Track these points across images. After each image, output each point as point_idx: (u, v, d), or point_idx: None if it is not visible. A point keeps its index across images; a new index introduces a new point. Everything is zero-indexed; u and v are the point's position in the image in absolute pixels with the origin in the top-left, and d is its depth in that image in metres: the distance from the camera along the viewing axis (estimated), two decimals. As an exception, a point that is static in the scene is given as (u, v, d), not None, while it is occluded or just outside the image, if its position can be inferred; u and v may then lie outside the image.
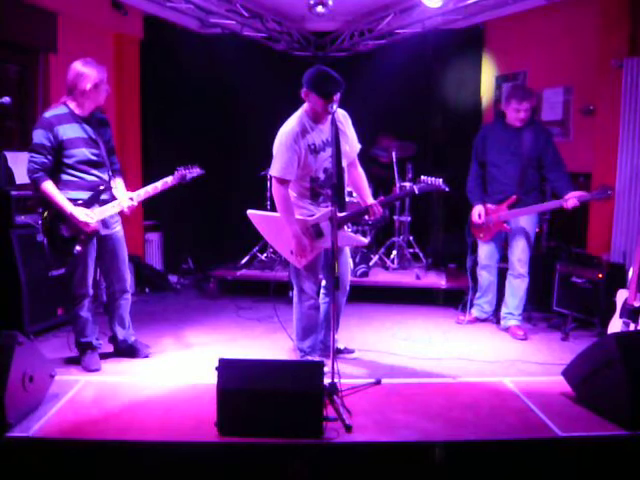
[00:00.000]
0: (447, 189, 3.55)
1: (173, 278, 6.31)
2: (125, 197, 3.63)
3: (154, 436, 2.77)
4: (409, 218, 6.20)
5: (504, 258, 4.71)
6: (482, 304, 4.85)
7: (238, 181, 6.66)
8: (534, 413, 3.05)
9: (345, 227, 3.63)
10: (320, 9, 5.23)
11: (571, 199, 4.15)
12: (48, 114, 3.47)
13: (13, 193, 4.17)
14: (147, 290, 5.86)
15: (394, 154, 6.02)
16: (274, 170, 3.42)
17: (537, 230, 4.65)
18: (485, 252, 4.72)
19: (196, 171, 3.75)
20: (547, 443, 2.78)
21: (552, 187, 4.55)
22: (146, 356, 3.92)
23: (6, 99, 3.38)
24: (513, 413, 3.07)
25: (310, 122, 3.44)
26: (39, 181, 3.39)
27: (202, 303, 5.65)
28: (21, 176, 4.31)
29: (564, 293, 4.87)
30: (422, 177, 3.55)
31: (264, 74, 6.58)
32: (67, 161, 3.47)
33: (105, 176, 3.64)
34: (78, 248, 3.49)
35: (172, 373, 3.67)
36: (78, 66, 3.47)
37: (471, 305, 4.93)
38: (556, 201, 4.34)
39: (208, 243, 6.68)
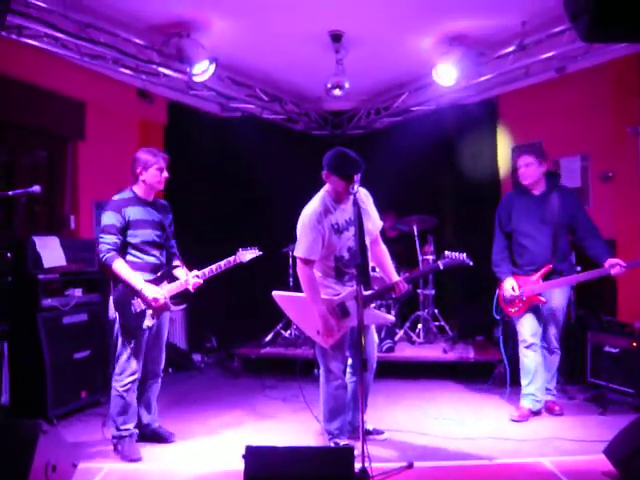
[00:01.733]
0: (471, 263, 3.52)
1: (197, 357, 6.27)
2: (191, 275, 3.71)
3: (179, 529, 2.67)
4: (433, 291, 6.14)
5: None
6: (534, 392, 4.25)
7: (261, 259, 6.70)
8: (577, 497, 2.89)
9: (371, 304, 3.60)
10: (337, 92, 5.40)
11: (617, 266, 3.87)
12: (116, 197, 3.68)
13: (40, 277, 4.23)
14: (170, 370, 5.80)
15: (415, 227, 6.04)
16: (299, 251, 3.44)
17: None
18: (527, 328, 4.25)
19: (256, 252, 3.87)
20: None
21: (590, 255, 4.12)
22: (170, 442, 3.82)
23: (36, 188, 3.48)
24: (555, 497, 2.91)
25: (332, 202, 3.49)
26: (111, 260, 3.51)
27: (226, 382, 5.56)
28: (48, 260, 4.40)
29: (598, 363, 4.72)
30: (446, 252, 3.53)
31: (284, 154, 6.75)
32: (131, 240, 3.61)
33: (163, 258, 3.77)
34: (147, 323, 3.56)
35: (198, 459, 3.56)
36: (136, 154, 3.74)
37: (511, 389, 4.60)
38: (599, 270, 3.98)
39: (232, 321, 6.66)
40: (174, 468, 3.41)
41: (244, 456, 2.63)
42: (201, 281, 3.72)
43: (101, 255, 3.56)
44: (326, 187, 3.53)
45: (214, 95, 6.16)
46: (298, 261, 3.47)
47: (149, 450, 3.68)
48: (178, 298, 3.73)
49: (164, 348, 3.86)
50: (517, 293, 4.21)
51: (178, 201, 6.36)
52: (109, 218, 3.57)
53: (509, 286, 4.24)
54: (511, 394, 4.62)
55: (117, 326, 3.60)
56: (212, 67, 4.99)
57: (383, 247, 3.75)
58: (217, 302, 6.67)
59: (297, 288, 3.58)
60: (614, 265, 3.89)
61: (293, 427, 4.15)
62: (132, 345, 3.56)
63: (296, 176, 6.06)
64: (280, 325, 6.14)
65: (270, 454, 2.69)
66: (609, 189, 5.54)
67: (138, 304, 3.56)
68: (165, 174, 3.75)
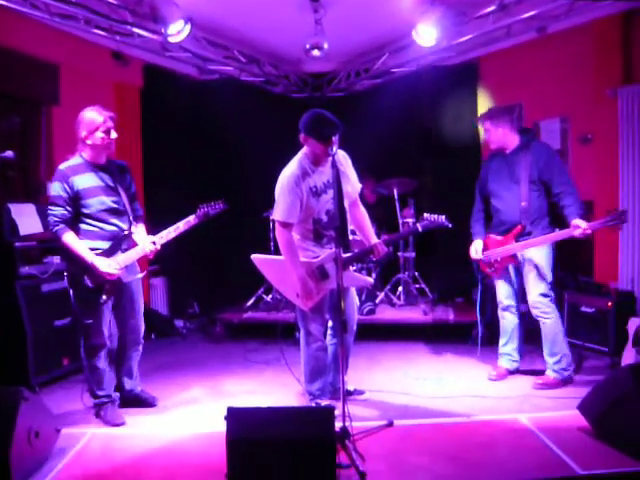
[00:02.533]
0: (450, 225, 3.54)
1: (179, 323, 6.28)
2: (147, 241, 3.58)
3: (164, 490, 2.71)
4: (413, 254, 6.18)
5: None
6: (510, 352, 4.32)
7: (240, 223, 6.67)
8: (552, 451, 2.98)
9: (350, 267, 3.61)
10: (316, 52, 5.31)
11: (579, 228, 3.72)
12: (62, 166, 3.50)
13: (17, 244, 4.18)
14: (153, 336, 5.82)
15: (395, 190, 6.03)
16: (277, 214, 3.42)
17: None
18: (502, 290, 4.28)
19: (219, 207, 3.71)
20: (568, 482, 2.71)
21: (563, 214, 3.97)
22: (153, 406, 3.85)
23: (9, 153, 3.40)
24: (531, 451, 2.99)
25: (310, 165, 3.46)
26: (60, 233, 3.39)
27: (209, 347, 5.60)
28: (25, 227, 4.33)
29: (574, 323, 4.82)
30: (425, 215, 3.54)
31: (263, 117, 6.65)
32: (85, 211, 3.46)
33: (125, 225, 3.60)
34: (104, 298, 3.46)
35: (181, 423, 3.60)
36: (80, 114, 3.51)
37: (480, 343, 4.66)
38: (563, 231, 3.88)
39: (213, 286, 6.66)
40: (157, 432, 3.45)
41: (226, 417, 2.65)
42: (158, 247, 3.59)
43: (50, 228, 3.45)
44: (304, 150, 3.50)
45: (190, 57, 6.01)
46: (276, 224, 3.45)
47: (132, 415, 3.70)
48: (155, 265, 3.66)
49: (141, 315, 3.79)
50: (479, 256, 4.22)
51: (155, 165, 6.33)
52: (55, 189, 3.42)
53: (472, 248, 4.28)
54: (483, 353, 4.71)
55: (72, 301, 3.48)
56: (187, 27, 4.85)
57: (362, 210, 3.75)
58: (198, 268, 6.67)
59: (277, 252, 3.58)
60: (576, 227, 3.75)
61: (275, 389, 4.20)
62: (91, 321, 3.47)
63: (276, 139, 5.97)
64: (261, 290, 6.16)
65: (252, 415, 2.72)
66: (588, 151, 5.57)
67: (90, 279, 3.43)
68: (114, 135, 3.53)
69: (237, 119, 6.60)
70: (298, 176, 3.41)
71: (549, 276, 4.06)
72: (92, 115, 3.48)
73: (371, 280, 3.50)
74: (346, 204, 3.46)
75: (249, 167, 6.72)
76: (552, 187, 4.00)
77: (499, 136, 4.17)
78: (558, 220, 4.09)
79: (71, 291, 3.49)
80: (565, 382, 4.04)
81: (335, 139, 3.29)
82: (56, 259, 4.41)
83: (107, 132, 3.49)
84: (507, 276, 4.25)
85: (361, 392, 3.96)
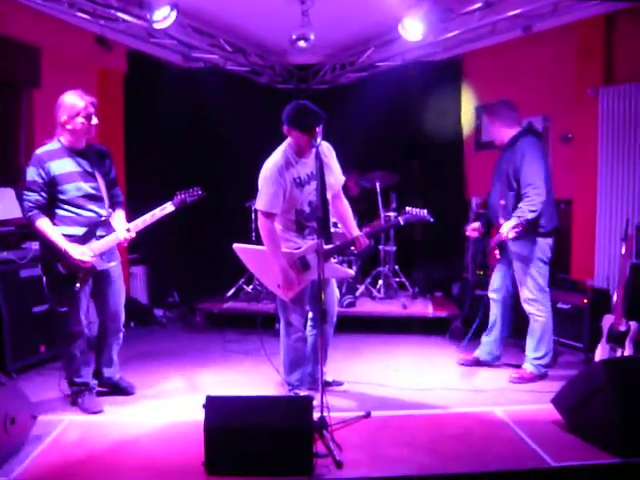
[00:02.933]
0: (432, 220, 3.57)
1: (159, 312, 6.25)
2: (122, 228, 3.53)
3: (141, 477, 2.71)
4: (394, 248, 6.22)
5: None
6: (486, 343, 4.40)
7: (223, 213, 6.65)
8: (525, 443, 3.03)
9: (331, 259, 3.63)
10: (302, 44, 5.30)
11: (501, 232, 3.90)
12: (39, 151, 3.43)
13: (-6, 229, 4.13)
14: (132, 324, 5.79)
15: (378, 184, 6.06)
16: (260, 204, 3.42)
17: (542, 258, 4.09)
18: (492, 281, 4.38)
19: (196, 193, 3.63)
20: (540, 474, 2.76)
21: None
22: (131, 394, 3.84)
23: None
24: (505, 443, 3.05)
25: (294, 156, 3.47)
26: (33, 219, 3.35)
27: (188, 337, 5.59)
28: (3, 212, 4.28)
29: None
30: (407, 208, 3.57)
31: (247, 107, 6.62)
32: (62, 196, 3.40)
33: (103, 211, 3.54)
34: (78, 285, 3.40)
35: (159, 411, 3.59)
36: (61, 97, 3.43)
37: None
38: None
39: (194, 276, 6.64)
40: (135, 420, 3.44)
41: (204, 406, 2.66)
42: (133, 234, 3.53)
43: (24, 213, 3.41)
44: (288, 140, 3.50)
45: (176, 44, 5.95)
46: (259, 214, 3.45)
47: (110, 403, 3.69)
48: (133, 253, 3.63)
49: (122, 303, 3.73)
50: (468, 233, 4.44)
51: (137, 152, 6.27)
52: (30, 174, 3.37)
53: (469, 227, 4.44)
54: (464, 347, 4.77)
55: (46, 289, 3.45)
56: (173, 14, 4.81)
57: (345, 202, 3.76)
58: (179, 257, 6.64)
59: (259, 242, 3.57)
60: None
61: (255, 379, 4.21)
62: (66, 309, 3.42)
63: (260, 130, 5.95)
64: (242, 280, 6.16)
65: (230, 403, 2.74)
66: (569, 150, 5.64)
67: (63, 267, 3.39)
68: (95, 121, 3.46)
69: (221, 108, 6.56)
70: (282, 166, 3.41)
71: (538, 273, 4.06)
72: (73, 99, 3.40)
73: (352, 272, 3.52)
74: (329, 196, 3.48)
75: (232, 157, 6.70)
76: (520, 188, 4.00)
77: (494, 131, 4.25)
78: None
79: (44, 278, 3.46)
80: (541, 377, 4.11)
81: (319, 130, 3.31)
82: (35, 245, 4.34)
83: (88, 118, 3.42)
84: (501, 268, 4.30)
85: (340, 383, 3.99)
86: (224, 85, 6.61)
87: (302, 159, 3.48)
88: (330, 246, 3.46)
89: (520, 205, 3.93)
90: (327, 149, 3.59)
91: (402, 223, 3.58)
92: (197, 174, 6.54)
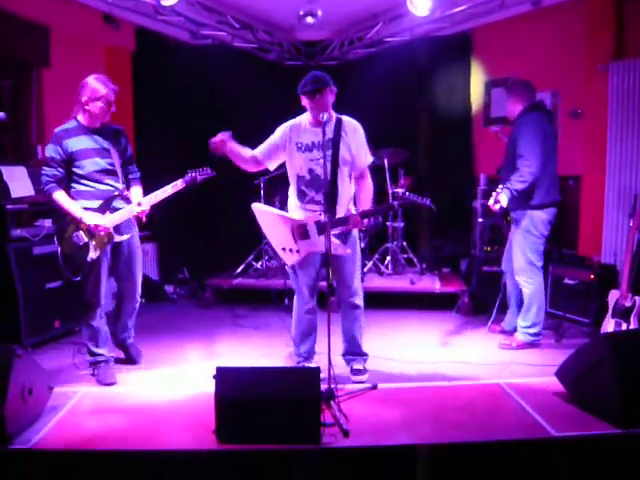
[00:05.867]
0: (433, 207, 3.51)
1: (169, 288, 6.34)
2: (135, 203, 3.68)
3: (153, 445, 2.79)
4: (402, 224, 6.24)
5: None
6: (507, 314, 4.63)
7: (231, 190, 6.70)
8: (528, 414, 3.09)
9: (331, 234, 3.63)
10: (309, 19, 5.30)
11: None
12: (58, 129, 3.61)
13: (9, 207, 4.19)
14: (143, 300, 5.84)
15: (386, 160, 6.06)
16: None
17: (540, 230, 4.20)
18: (504, 255, 4.58)
19: (207, 172, 3.77)
20: (541, 443, 2.82)
21: None
22: (137, 363, 4.00)
23: (1, 115, 3.41)
24: (508, 414, 3.11)
25: (309, 122, 3.55)
26: (51, 191, 3.52)
27: (198, 312, 5.68)
28: (16, 190, 4.35)
29: (557, 295, 4.93)
30: (407, 193, 3.57)
31: (256, 84, 6.63)
32: (79, 171, 3.58)
33: (119, 185, 3.69)
34: (92, 255, 3.54)
35: (171, 382, 3.69)
36: (87, 79, 3.59)
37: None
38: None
39: (204, 252, 6.69)
40: (148, 392, 3.53)
41: (214, 376, 2.74)
42: (144, 208, 3.66)
43: (41, 187, 3.58)
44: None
45: (183, 21, 5.96)
46: None
47: (124, 375, 3.80)
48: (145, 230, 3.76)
49: (138, 276, 3.87)
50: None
51: (146, 129, 6.30)
52: (49, 151, 3.57)
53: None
54: (468, 323, 4.91)
55: (60, 259, 3.59)
56: (181, -9, 4.82)
57: (366, 183, 3.68)
58: (189, 234, 6.70)
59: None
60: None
61: (264, 352, 4.29)
62: (79, 278, 3.57)
63: (268, 106, 5.97)
64: (251, 256, 6.22)
65: (240, 374, 2.81)
66: (578, 126, 5.61)
67: (81, 237, 3.55)
68: (113, 108, 3.64)
69: (229, 85, 6.57)
70: (290, 126, 3.58)
71: (528, 246, 4.20)
72: (97, 85, 3.56)
73: (349, 251, 3.55)
74: (345, 173, 3.55)
75: (240, 134, 6.63)
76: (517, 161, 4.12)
77: (508, 105, 4.36)
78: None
79: (59, 248, 3.60)
80: (530, 345, 4.27)
81: (324, 102, 3.40)
82: (47, 222, 4.42)
83: (108, 104, 3.59)
84: (509, 242, 4.45)
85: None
86: (232, 62, 6.60)
87: (315, 127, 3.51)
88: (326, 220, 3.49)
89: (511, 177, 4.08)
90: (350, 127, 3.59)
91: (396, 207, 3.70)
92: (205, 151, 6.56)
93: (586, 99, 5.50)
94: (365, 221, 3.58)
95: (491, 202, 4.07)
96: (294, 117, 3.60)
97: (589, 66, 5.37)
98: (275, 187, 5.96)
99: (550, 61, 5.76)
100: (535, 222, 4.19)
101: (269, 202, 5.97)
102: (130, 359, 4.02)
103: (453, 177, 6.56)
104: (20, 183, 4.43)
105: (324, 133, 3.22)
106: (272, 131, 3.61)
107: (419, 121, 6.83)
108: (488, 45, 6.40)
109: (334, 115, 3.54)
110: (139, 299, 3.96)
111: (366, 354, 3.80)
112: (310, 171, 3.53)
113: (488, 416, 3.09)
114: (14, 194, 4.32)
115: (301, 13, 5.31)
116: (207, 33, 6.34)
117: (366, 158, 3.68)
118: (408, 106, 6.82)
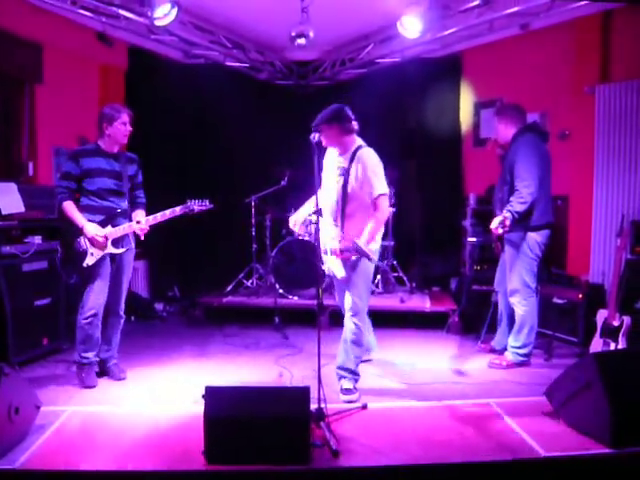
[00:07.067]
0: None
1: (159, 306, 6.31)
2: (134, 221, 3.96)
3: (142, 466, 2.76)
4: (392, 243, 6.27)
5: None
6: (498, 334, 4.64)
7: (224, 208, 6.70)
8: (518, 434, 3.09)
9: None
10: (301, 41, 5.35)
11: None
12: (77, 148, 4.06)
13: (-2, 224, 4.18)
14: (132, 319, 5.85)
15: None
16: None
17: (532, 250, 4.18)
18: (496, 274, 4.61)
19: (205, 205, 3.98)
20: (531, 463, 2.82)
21: None
22: (120, 379, 4.03)
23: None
24: (497, 434, 3.11)
25: (336, 151, 3.78)
26: (61, 200, 3.85)
27: (188, 331, 5.65)
28: (6, 206, 4.33)
29: (546, 314, 4.95)
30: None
31: (248, 102, 6.66)
32: (90, 187, 3.88)
33: (122, 204, 3.98)
34: (88, 261, 3.81)
35: (159, 402, 3.66)
36: (103, 108, 3.97)
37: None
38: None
39: (194, 270, 6.69)
40: (135, 410, 3.50)
41: (204, 396, 2.72)
42: (143, 226, 3.94)
43: (56, 196, 3.92)
44: None
45: (176, 40, 6.02)
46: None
47: (114, 394, 3.77)
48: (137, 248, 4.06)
49: (123, 289, 4.07)
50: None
51: (139, 148, 6.28)
52: (66, 165, 3.92)
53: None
54: (463, 341, 4.88)
55: (59, 262, 3.99)
56: (174, 11, 4.87)
57: (374, 215, 3.60)
58: (180, 251, 6.69)
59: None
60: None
61: (252, 371, 4.27)
62: (73, 280, 3.87)
63: (260, 125, 6.01)
64: (242, 274, 6.22)
65: (229, 394, 2.80)
66: (565, 147, 5.69)
67: (83, 243, 3.83)
68: (129, 128, 3.95)
69: (221, 104, 6.60)
70: (330, 152, 3.83)
71: (524, 268, 4.19)
72: (111, 110, 3.91)
73: (343, 274, 3.56)
74: (356, 201, 3.66)
75: (233, 153, 6.73)
76: (513, 183, 4.14)
77: (499, 130, 4.39)
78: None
79: (61, 251, 4.05)
80: (519, 365, 4.29)
81: (326, 137, 3.62)
82: (37, 239, 4.42)
83: (124, 124, 3.92)
84: (503, 262, 4.44)
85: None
86: (224, 81, 6.65)
87: (339, 156, 3.75)
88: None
89: (511, 199, 4.08)
90: (360, 159, 3.64)
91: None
92: (197, 170, 6.61)
93: (573, 121, 5.59)
94: (345, 253, 3.53)
95: (494, 225, 3.98)
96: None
97: (576, 88, 5.47)
98: (265, 205, 5.98)
99: (538, 83, 5.86)
100: (531, 244, 4.18)
101: (260, 220, 5.99)
102: (111, 377, 4.06)
103: (442, 196, 6.61)
104: (10, 199, 4.42)
105: (313, 152, 3.25)
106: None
107: (409, 141, 6.90)
108: (478, 67, 6.49)
109: (355, 145, 3.69)
110: (123, 314, 4.11)
111: (358, 374, 3.79)
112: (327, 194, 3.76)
113: (478, 436, 3.09)
114: (4, 211, 4.30)
115: (293, 34, 5.36)
116: (199, 52, 6.40)
117: (372, 190, 3.59)
118: (398, 126, 6.89)
